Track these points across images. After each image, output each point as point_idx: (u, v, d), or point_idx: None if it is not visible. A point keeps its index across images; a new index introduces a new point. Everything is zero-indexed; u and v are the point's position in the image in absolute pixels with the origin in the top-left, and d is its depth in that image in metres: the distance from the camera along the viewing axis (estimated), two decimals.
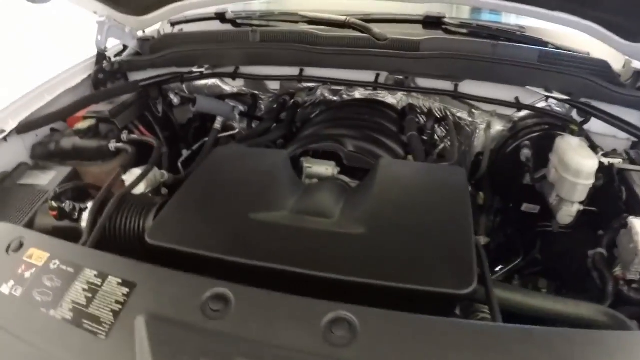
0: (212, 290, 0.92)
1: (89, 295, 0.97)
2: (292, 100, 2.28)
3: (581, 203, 1.67)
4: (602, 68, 1.86)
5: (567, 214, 1.69)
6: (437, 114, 2.14)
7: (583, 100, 1.85)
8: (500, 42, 1.97)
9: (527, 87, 1.90)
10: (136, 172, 1.60)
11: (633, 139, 1.83)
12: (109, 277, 0.99)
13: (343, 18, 2.02)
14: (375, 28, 1.99)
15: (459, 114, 2.11)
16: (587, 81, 1.81)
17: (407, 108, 2.14)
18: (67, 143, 1.80)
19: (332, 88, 2.27)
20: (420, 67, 1.99)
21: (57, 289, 1.00)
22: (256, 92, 2.38)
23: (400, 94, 2.17)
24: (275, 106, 2.34)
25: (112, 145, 1.77)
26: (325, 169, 1.59)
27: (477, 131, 2.10)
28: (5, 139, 1.73)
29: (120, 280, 0.98)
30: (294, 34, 2.13)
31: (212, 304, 0.91)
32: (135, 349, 0.86)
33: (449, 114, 2.12)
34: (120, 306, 0.93)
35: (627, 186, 1.61)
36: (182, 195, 1.31)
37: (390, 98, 2.20)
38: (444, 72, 1.99)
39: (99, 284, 0.98)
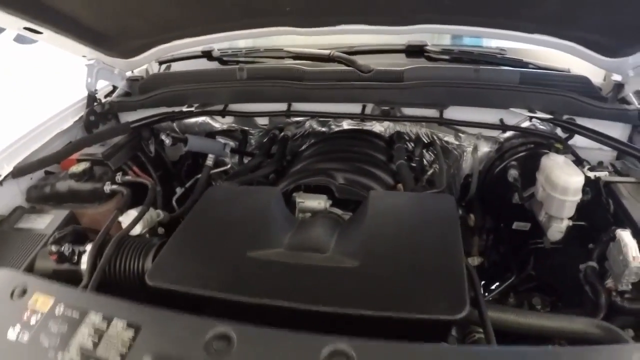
0: (215, 330, 0.94)
1: (95, 339, 0.98)
2: (282, 134, 2.31)
3: (570, 218, 1.70)
4: (583, 84, 1.89)
5: (557, 230, 1.72)
6: (424, 139, 2.18)
7: (566, 117, 1.87)
8: (482, 67, 1.99)
9: (511, 109, 1.93)
10: (132, 213, 1.63)
11: None
12: (114, 320, 1.00)
13: (327, 52, 2.03)
14: (359, 60, 2.01)
15: (445, 138, 2.15)
16: (568, 98, 1.83)
17: (395, 136, 2.18)
18: (62, 186, 1.82)
19: (320, 119, 2.30)
20: (405, 97, 1.99)
21: (64, 334, 1.01)
22: (246, 128, 2.41)
23: (387, 122, 2.20)
24: (265, 140, 2.37)
25: (107, 187, 1.78)
26: (318, 202, 1.61)
27: (465, 154, 2.13)
28: (1, 183, 1.75)
29: (125, 323, 0.99)
30: (281, 70, 2.15)
31: (215, 344, 0.92)
32: None
33: (436, 138, 2.16)
34: (126, 349, 0.95)
35: (614, 198, 1.64)
36: (179, 237, 1.34)
37: (377, 126, 2.24)
38: (429, 100, 2.00)
39: (105, 327, 1.00)
